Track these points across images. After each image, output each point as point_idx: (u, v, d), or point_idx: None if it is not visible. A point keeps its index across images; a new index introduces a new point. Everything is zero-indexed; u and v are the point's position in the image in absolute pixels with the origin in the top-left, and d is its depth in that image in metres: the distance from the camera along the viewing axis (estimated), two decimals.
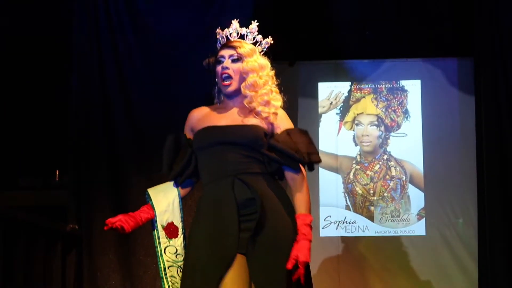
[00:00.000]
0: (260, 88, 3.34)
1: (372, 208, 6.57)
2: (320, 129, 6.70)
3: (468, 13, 6.25)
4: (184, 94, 5.65)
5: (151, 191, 3.43)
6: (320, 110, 6.74)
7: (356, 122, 6.72)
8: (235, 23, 3.45)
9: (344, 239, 6.50)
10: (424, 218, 6.46)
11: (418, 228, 6.46)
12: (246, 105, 3.35)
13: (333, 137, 6.70)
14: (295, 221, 3.19)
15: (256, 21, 3.45)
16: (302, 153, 3.23)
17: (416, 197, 6.56)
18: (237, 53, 3.37)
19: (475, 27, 6.12)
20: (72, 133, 5.89)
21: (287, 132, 3.31)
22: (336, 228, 6.53)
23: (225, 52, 3.38)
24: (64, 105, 6.07)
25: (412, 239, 6.45)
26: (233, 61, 3.37)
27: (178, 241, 3.32)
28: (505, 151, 5.87)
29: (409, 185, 6.58)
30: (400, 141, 6.69)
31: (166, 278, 3.26)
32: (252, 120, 3.33)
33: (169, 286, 3.23)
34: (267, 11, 6.26)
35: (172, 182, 3.39)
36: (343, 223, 6.54)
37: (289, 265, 3.07)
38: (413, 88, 6.67)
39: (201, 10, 5.89)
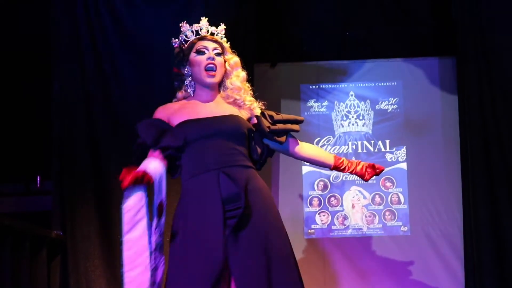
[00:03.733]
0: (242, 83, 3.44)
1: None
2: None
3: (449, 12, 6.28)
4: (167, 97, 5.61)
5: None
6: None
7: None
8: (204, 20, 3.47)
9: (329, 239, 6.48)
10: (408, 217, 6.45)
11: (403, 227, 6.45)
12: (226, 97, 3.39)
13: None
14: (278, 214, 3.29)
15: (224, 24, 3.50)
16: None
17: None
18: (221, 47, 3.41)
19: (457, 26, 6.15)
20: (54, 138, 5.83)
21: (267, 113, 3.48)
22: (322, 229, 6.52)
23: (208, 44, 3.39)
24: (45, 110, 6.01)
25: (396, 238, 6.45)
26: (217, 54, 3.39)
27: (161, 221, 3.19)
28: (489, 149, 5.91)
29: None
30: None
31: None
32: (233, 110, 3.36)
33: None
34: (249, 14, 6.26)
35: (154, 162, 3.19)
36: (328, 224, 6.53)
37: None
38: (394, 88, 6.67)
39: (182, 13, 5.86)
